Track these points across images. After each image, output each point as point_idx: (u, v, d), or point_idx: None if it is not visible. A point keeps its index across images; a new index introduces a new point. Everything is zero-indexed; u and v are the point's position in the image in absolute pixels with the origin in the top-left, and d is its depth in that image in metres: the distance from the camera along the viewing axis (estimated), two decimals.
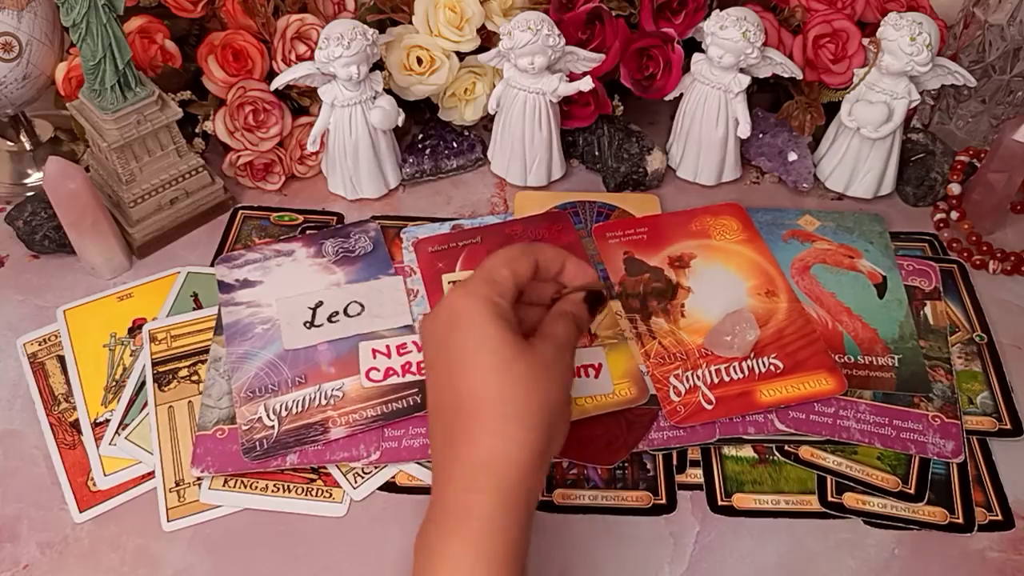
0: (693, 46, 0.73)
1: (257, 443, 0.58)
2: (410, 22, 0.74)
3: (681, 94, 0.74)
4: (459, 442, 0.44)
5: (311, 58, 0.69)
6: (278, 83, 0.70)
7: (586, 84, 0.70)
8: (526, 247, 0.50)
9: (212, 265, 0.69)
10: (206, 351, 0.63)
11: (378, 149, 0.73)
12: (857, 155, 0.73)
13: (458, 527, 0.43)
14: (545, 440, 0.45)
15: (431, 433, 0.48)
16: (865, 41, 0.71)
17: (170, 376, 0.62)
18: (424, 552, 0.44)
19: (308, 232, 0.72)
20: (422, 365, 0.61)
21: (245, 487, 0.57)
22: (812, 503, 0.57)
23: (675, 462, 0.59)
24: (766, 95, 0.81)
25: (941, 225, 0.74)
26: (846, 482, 0.58)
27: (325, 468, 0.58)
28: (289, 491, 0.57)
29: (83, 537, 0.55)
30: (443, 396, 0.46)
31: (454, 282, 0.66)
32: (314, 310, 0.65)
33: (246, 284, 0.67)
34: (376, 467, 0.58)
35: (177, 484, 0.57)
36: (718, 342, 0.62)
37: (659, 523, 0.56)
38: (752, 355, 0.62)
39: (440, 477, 0.45)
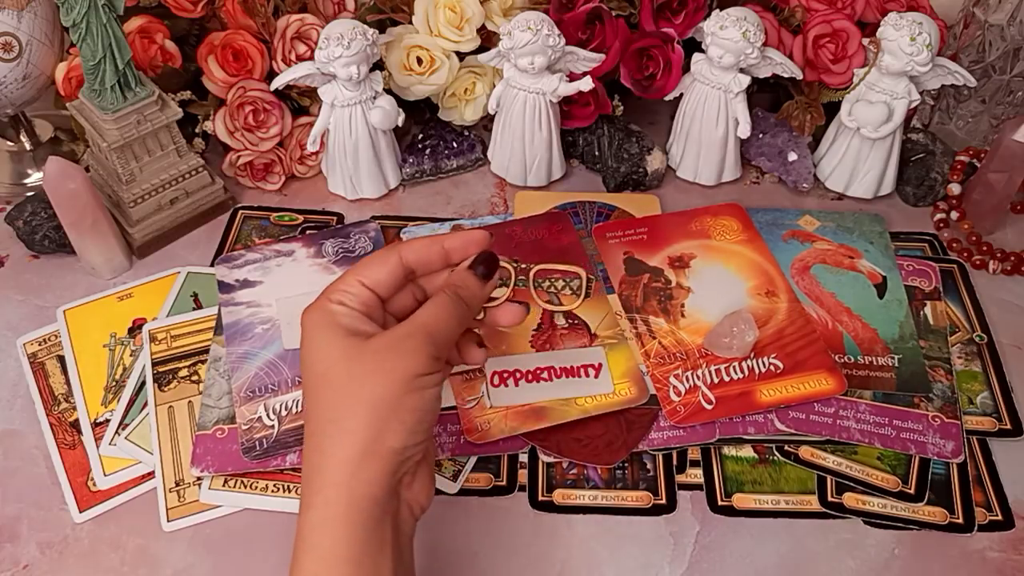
0: (693, 46, 0.73)
1: (257, 443, 0.58)
2: (410, 22, 0.74)
3: (681, 94, 0.74)
4: (327, 447, 0.43)
5: (311, 58, 0.69)
6: (278, 83, 0.70)
7: (586, 84, 0.70)
8: (386, 248, 0.48)
9: (212, 265, 0.69)
10: (206, 351, 0.63)
11: (378, 149, 0.73)
12: (857, 155, 0.73)
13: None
14: (373, 432, 0.42)
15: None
16: (865, 41, 0.71)
17: (170, 376, 0.62)
18: (307, 565, 0.42)
19: (308, 232, 0.72)
20: None
21: (245, 487, 0.57)
22: (812, 503, 0.57)
23: (675, 462, 0.59)
24: (766, 95, 0.81)
25: (941, 225, 0.74)
26: (846, 482, 0.58)
27: None
28: (289, 491, 0.57)
29: (83, 537, 0.55)
30: (305, 403, 0.45)
31: None
32: None
33: (246, 284, 0.67)
34: None
35: (177, 484, 0.57)
36: (717, 343, 0.62)
37: (659, 523, 0.56)
38: (752, 355, 0.62)
39: (306, 490, 0.44)
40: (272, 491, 0.57)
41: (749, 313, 0.63)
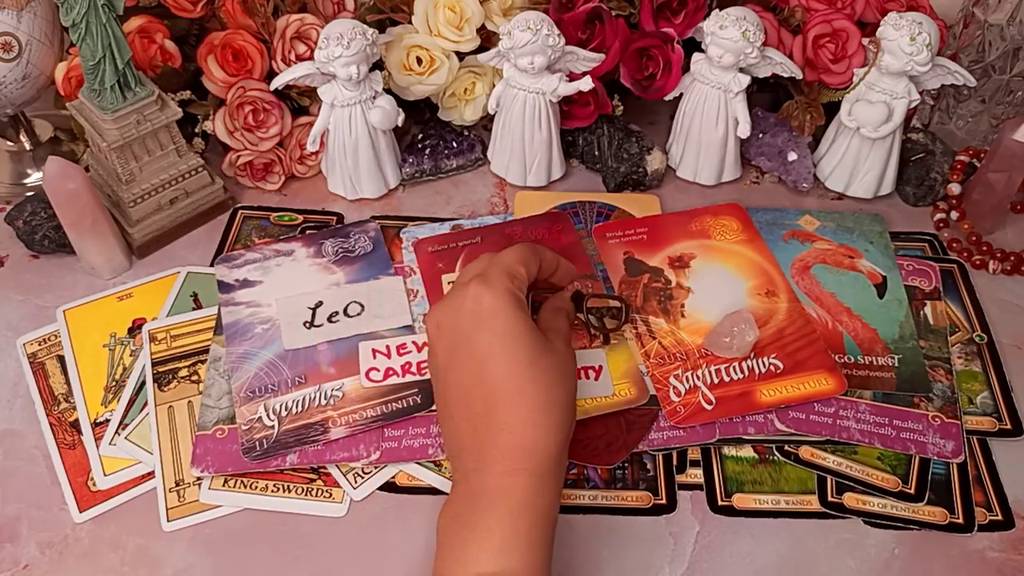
0: (693, 46, 0.73)
1: (257, 443, 0.58)
2: (410, 22, 0.74)
3: (681, 94, 0.74)
4: (494, 430, 0.47)
5: (311, 58, 0.69)
6: (278, 83, 0.69)
7: (586, 84, 0.70)
8: (534, 247, 0.53)
9: (212, 265, 0.69)
10: (206, 351, 0.63)
11: (378, 149, 0.73)
12: (857, 155, 0.73)
13: (493, 506, 0.45)
14: (568, 427, 0.49)
15: (449, 422, 0.49)
16: (865, 41, 0.71)
17: (170, 376, 0.62)
18: (452, 530, 0.46)
19: (308, 232, 0.72)
20: (424, 365, 0.61)
21: (245, 487, 0.57)
22: (812, 503, 0.57)
23: (675, 462, 0.59)
24: (766, 95, 0.81)
25: (941, 225, 0.74)
26: (846, 482, 0.58)
27: (325, 468, 0.58)
28: (289, 491, 0.57)
29: (83, 537, 0.55)
30: (468, 387, 0.48)
31: (454, 282, 0.66)
32: (314, 310, 0.65)
33: (246, 284, 0.67)
34: (376, 467, 0.58)
35: (177, 484, 0.57)
36: (717, 343, 0.62)
37: (659, 523, 0.56)
38: (752, 355, 0.62)
39: (470, 463, 0.47)
40: (272, 491, 0.57)
41: (749, 313, 0.63)
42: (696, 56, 0.72)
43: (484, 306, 0.49)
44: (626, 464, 0.59)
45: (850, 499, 0.57)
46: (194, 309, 0.66)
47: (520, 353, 0.48)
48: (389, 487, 0.57)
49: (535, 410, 0.47)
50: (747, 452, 0.59)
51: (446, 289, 0.67)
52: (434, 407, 0.58)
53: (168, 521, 0.56)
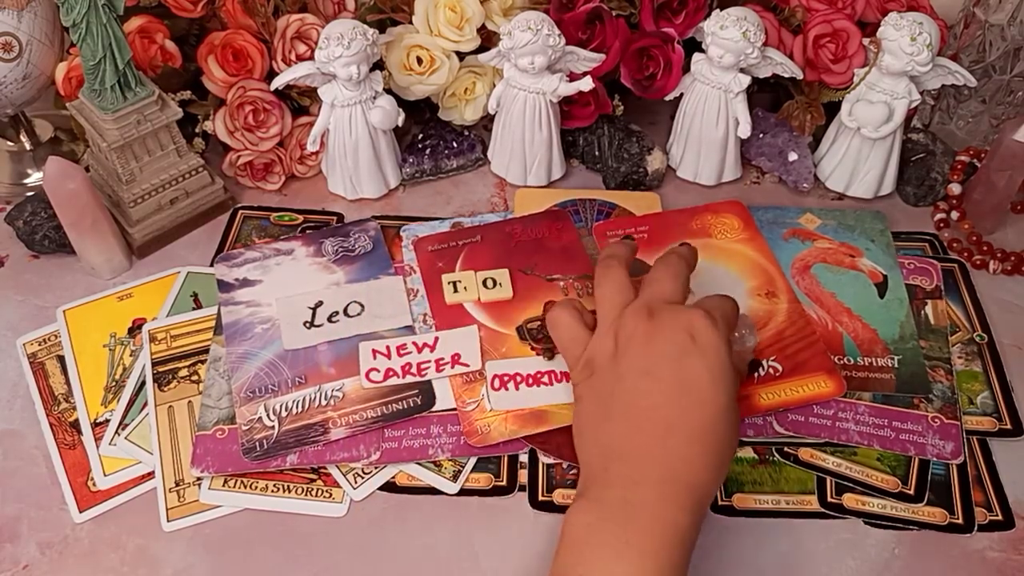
0: (693, 46, 0.73)
1: (257, 443, 0.58)
2: (410, 22, 0.74)
3: (681, 94, 0.74)
4: (671, 454, 0.48)
5: (311, 58, 0.69)
6: (278, 83, 0.69)
7: (586, 84, 0.70)
8: (734, 303, 0.55)
9: (212, 265, 0.69)
10: (206, 351, 0.63)
11: (378, 149, 0.73)
12: (857, 155, 0.73)
13: (653, 531, 0.46)
14: (722, 480, 0.51)
15: (623, 423, 0.49)
16: (865, 41, 0.71)
17: (170, 376, 0.62)
18: (600, 534, 0.46)
19: (308, 231, 0.72)
20: (424, 366, 0.61)
21: (245, 487, 0.57)
22: (812, 503, 0.57)
23: None
24: (766, 95, 0.81)
25: (941, 225, 0.74)
26: (846, 483, 0.58)
27: (325, 468, 0.58)
28: (289, 491, 0.57)
29: (83, 537, 0.55)
30: (659, 401, 0.49)
31: (453, 282, 0.66)
32: (314, 310, 0.65)
33: (246, 283, 0.67)
34: (376, 467, 0.58)
35: (177, 484, 0.57)
36: None
37: None
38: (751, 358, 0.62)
39: (627, 471, 0.48)
40: (272, 491, 0.57)
41: (750, 318, 0.63)
42: (696, 56, 0.72)
43: (706, 339, 0.50)
44: None
45: (850, 500, 0.57)
46: (194, 309, 0.66)
47: (722, 399, 0.49)
48: (389, 487, 0.57)
49: (713, 455, 0.48)
50: (747, 453, 0.59)
51: (446, 289, 0.66)
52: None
53: (168, 521, 0.56)
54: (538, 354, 0.62)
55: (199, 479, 0.57)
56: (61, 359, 0.64)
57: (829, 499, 0.57)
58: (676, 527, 0.46)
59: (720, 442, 0.49)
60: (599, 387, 0.51)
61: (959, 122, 0.79)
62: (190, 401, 0.61)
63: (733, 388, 0.50)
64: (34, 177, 0.77)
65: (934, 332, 0.65)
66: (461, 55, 0.75)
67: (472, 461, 0.58)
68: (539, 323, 0.64)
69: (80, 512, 0.56)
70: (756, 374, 0.61)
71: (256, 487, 0.57)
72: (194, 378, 0.62)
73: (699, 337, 0.50)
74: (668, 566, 0.45)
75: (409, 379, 0.61)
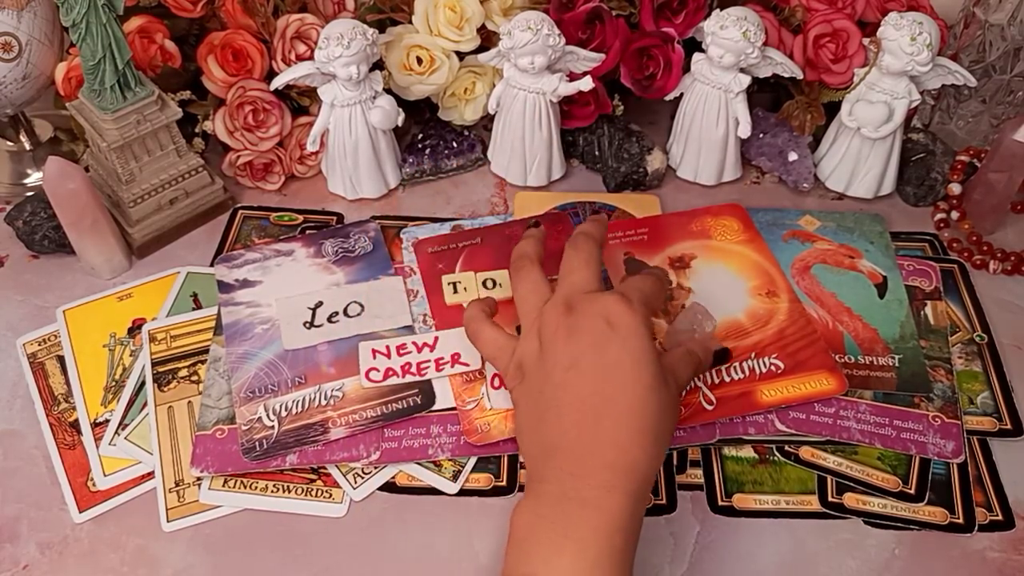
0: (693, 46, 0.73)
1: (257, 443, 0.58)
2: (410, 22, 0.74)
3: (681, 94, 0.74)
4: (601, 441, 0.48)
5: (311, 58, 0.69)
6: (278, 83, 0.69)
7: (586, 84, 0.70)
8: (663, 284, 0.55)
9: (212, 265, 0.69)
10: (206, 351, 0.63)
11: (378, 149, 0.73)
12: (857, 155, 0.73)
13: (590, 519, 0.46)
14: (660, 462, 0.50)
15: (556, 420, 0.49)
16: (865, 41, 0.71)
17: (170, 376, 0.62)
18: (540, 530, 0.46)
19: (308, 232, 0.72)
20: (424, 366, 0.61)
21: (245, 487, 0.57)
22: (812, 503, 0.57)
23: (675, 462, 0.59)
24: (766, 95, 0.81)
25: (941, 225, 0.74)
26: (846, 482, 0.58)
27: (325, 468, 0.58)
28: (289, 491, 0.57)
29: (83, 537, 0.55)
30: (584, 393, 0.49)
31: (454, 283, 0.66)
32: (314, 310, 0.65)
33: (246, 284, 0.67)
34: (376, 467, 0.58)
35: (177, 484, 0.57)
36: (680, 341, 0.62)
37: (659, 523, 0.56)
38: (753, 355, 0.62)
39: (566, 465, 0.48)
40: (272, 491, 0.57)
41: (701, 303, 0.64)
42: (696, 56, 0.72)
43: (623, 323, 0.50)
44: None
45: (850, 499, 0.57)
46: (194, 309, 0.66)
47: (646, 378, 0.49)
48: (389, 487, 0.57)
49: (645, 434, 0.48)
50: (747, 452, 0.59)
51: (446, 290, 0.66)
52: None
53: (168, 521, 0.56)
54: None
55: (199, 479, 0.57)
56: (61, 359, 0.64)
57: (830, 498, 0.57)
58: (614, 513, 0.46)
59: (651, 421, 0.48)
60: (531, 389, 0.52)
61: (959, 122, 0.79)
62: (190, 401, 0.61)
63: (656, 366, 0.49)
64: (34, 177, 0.77)
65: (934, 332, 0.65)
66: (461, 55, 0.75)
67: (472, 461, 0.58)
68: None
69: (80, 512, 0.56)
70: (756, 370, 0.61)
71: (256, 487, 0.57)
72: (194, 378, 0.62)
73: (616, 322, 0.50)
74: (608, 553, 0.45)
75: (409, 379, 0.61)
